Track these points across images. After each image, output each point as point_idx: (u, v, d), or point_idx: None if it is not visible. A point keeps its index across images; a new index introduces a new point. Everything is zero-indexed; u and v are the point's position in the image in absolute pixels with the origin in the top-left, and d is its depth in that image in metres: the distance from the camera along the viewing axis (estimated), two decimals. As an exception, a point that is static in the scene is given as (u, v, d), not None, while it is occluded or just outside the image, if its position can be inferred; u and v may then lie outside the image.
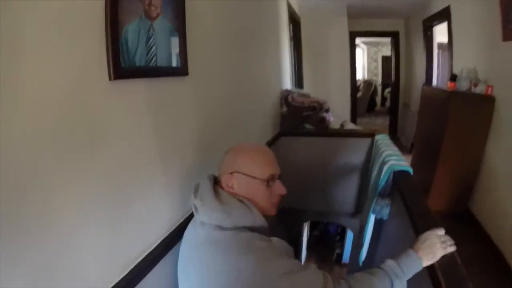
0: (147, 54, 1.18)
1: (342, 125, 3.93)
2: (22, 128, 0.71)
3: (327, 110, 3.73)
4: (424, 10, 6.17)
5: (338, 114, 4.46)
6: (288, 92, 3.76)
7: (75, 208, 0.86)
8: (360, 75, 13.11)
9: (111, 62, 0.98)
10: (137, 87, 1.14)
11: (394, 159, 2.18)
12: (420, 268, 1.17)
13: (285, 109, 3.61)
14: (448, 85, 4.57)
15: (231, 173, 1.28)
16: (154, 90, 1.23)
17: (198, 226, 1.21)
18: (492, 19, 3.65)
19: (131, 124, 1.12)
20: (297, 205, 3.41)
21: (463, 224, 3.96)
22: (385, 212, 2.15)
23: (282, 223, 2.95)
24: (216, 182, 1.32)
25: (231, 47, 2.06)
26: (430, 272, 1.19)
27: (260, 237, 1.18)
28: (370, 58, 14.57)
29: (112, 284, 1.01)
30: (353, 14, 6.48)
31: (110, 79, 0.98)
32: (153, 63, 1.22)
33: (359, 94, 11.31)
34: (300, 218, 3.87)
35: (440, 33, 5.88)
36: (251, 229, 1.20)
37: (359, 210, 3.27)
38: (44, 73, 0.76)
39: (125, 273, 1.06)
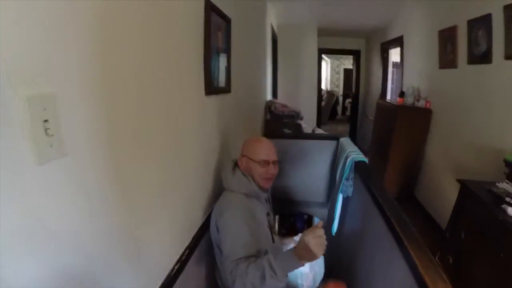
0: (218, 80, 1.96)
1: (313, 130, 4.73)
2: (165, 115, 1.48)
3: (301, 118, 4.53)
4: (382, 34, 7.17)
5: (306, 120, 5.07)
6: (271, 102, 4.55)
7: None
8: (323, 85, 13.72)
9: (207, 86, 1.76)
10: (214, 99, 1.93)
11: (354, 154, 2.95)
12: (297, 266, 1.37)
13: (268, 116, 4.37)
14: (398, 100, 5.62)
15: (242, 155, 1.92)
16: (219, 101, 2.04)
17: (223, 192, 1.84)
18: (433, 50, 4.70)
19: (214, 116, 1.96)
20: (279, 195, 3.87)
21: (410, 206, 5.07)
22: (350, 191, 2.91)
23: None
24: (236, 162, 1.95)
25: (247, 72, 2.88)
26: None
27: (251, 202, 1.81)
28: (333, 70, 15.41)
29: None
30: (321, 33, 7.31)
31: (205, 94, 1.76)
32: (219, 85, 2.01)
33: (323, 104, 11.99)
34: (279, 206, 4.47)
35: (395, 53, 6.82)
36: (248, 195, 1.81)
37: (329, 199, 3.91)
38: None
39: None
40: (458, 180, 3.17)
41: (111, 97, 0.90)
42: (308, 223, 4.76)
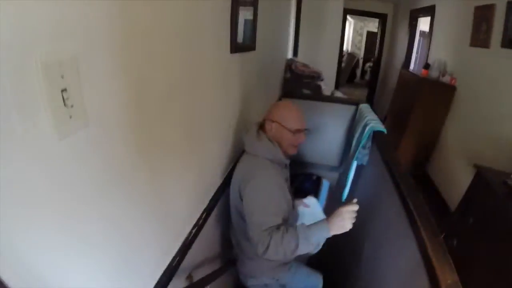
0: (243, 37, 1.89)
1: (332, 93, 4.63)
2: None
3: (322, 80, 4.43)
4: (413, 0, 6.84)
5: (325, 82, 4.86)
6: (292, 61, 4.42)
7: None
8: (344, 46, 13.54)
9: (232, 43, 1.69)
10: (238, 57, 1.85)
11: (374, 122, 2.89)
12: (327, 235, 1.51)
13: (288, 75, 4.26)
14: (422, 72, 5.41)
15: (272, 121, 1.84)
16: (243, 59, 1.96)
17: (244, 155, 1.80)
18: (466, 26, 4.46)
19: (237, 75, 1.90)
20: (294, 156, 4.02)
21: (421, 182, 5.04)
22: (365, 159, 2.90)
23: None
24: (260, 126, 1.89)
25: (271, 29, 2.77)
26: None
27: (275, 168, 1.75)
28: (356, 32, 14.88)
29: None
30: (349, -7, 6.97)
31: (230, 52, 1.69)
32: (244, 42, 1.94)
33: (342, 65, 11.80)
34: (289, 166, 4.53)
35: (424, 23, 6.53)
36: (272, 161, 1.75)
37: (341, 164, 3.95)
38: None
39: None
40: (475, 166, 3.12)
41: (134, 59, 0.84)
42: (316, 184, 4.81)
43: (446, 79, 4.88)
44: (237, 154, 1.88)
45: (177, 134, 1.17)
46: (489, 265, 2.56)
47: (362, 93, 10.78)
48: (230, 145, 1.94)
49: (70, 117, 0.63)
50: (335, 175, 4.13)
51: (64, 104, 0.61)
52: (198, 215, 1.46)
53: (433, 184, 4.97)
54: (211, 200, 1.60)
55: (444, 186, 4.67)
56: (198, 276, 1.60)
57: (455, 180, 4.27)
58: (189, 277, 1.54)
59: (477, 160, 3.31)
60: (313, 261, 2.48)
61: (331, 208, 2.21)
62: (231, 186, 1.75)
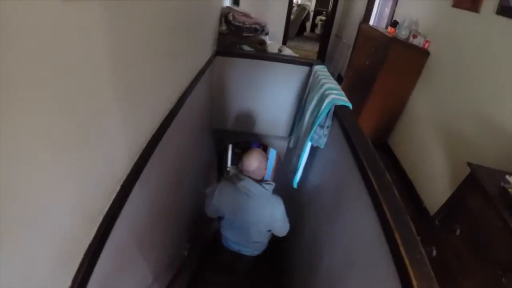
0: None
1: (280, 50, 3.85)
2: None
3: (267, 33, 3.64)
4: None
5: (271, 36, 4.35)
6: (229, 9, 3.55)
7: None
8: (294, -2, 12.80)
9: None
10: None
11: (335, 93, 2.24)
12: None
13: (224, 27, 3.41)
14: (389, 30, 4.74)
15: (264, 169, 2.44)
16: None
17: (253, 197, 2.34)
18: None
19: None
20: (234, 127, 3.51)
21: (382, 154, 4.64)
22: (322, 142, 2.26)
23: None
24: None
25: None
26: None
27: None
28: (307, -17, 14.22)
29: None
30: None
31: None
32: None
33: (292, 17, 11.15)
34: (234, 138, 4.00)
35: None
36: None
37: (291, 133, 3.38)
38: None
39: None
40: (469, 164, 2.47)
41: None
42: (263, 149, 4.52)
43: (418, 41, 4.26)
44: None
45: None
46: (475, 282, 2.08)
47: (312, 47, 10.39)
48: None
49: None
50: (283, 144, 3.74)
51: None
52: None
53: (395, 157, 4.51)
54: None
55: (408, 161, 4.22)
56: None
57: (421, 155, 3.86)
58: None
59: (450, 137, 2.94)
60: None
61: (280, 189, 2.68)
62: (256, 217, 2.46)
